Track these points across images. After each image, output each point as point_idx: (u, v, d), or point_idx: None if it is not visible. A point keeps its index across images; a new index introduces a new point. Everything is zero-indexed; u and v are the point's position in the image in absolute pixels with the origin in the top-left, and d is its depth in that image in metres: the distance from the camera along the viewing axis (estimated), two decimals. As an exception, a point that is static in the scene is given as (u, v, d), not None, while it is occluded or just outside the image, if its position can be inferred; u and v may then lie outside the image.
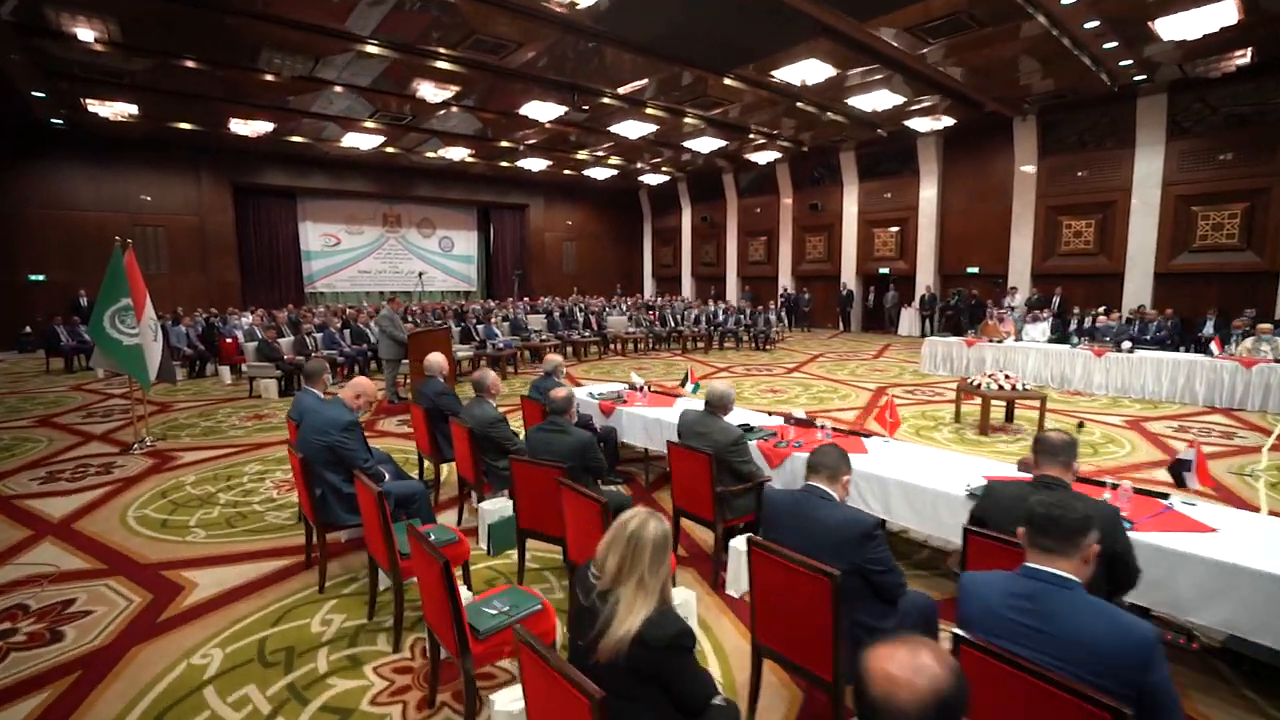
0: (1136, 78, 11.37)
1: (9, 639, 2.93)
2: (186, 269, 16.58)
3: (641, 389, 5.44)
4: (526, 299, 18.28)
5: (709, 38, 9.47)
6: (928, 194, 16.41)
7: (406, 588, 2.88)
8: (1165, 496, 2.89)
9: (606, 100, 12.34)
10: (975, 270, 15.83)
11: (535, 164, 18.41)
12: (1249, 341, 8.16)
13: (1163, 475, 5.14)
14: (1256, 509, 4.32)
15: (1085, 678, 1.40)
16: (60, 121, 13.62)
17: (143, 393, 6.44)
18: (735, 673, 2.67)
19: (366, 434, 3.68)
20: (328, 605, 3.21)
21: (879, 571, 2.07)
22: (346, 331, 11.26)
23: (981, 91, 12.12)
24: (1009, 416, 7.03)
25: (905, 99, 12.39)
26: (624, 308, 16.67)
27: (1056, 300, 13.57)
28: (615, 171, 19.89)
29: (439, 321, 12.61)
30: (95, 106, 12.17)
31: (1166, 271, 12.72)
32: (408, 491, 3.53)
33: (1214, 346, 8.15)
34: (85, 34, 8.98)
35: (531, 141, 16.08)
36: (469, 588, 3.23)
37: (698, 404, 5.13)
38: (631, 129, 14.30)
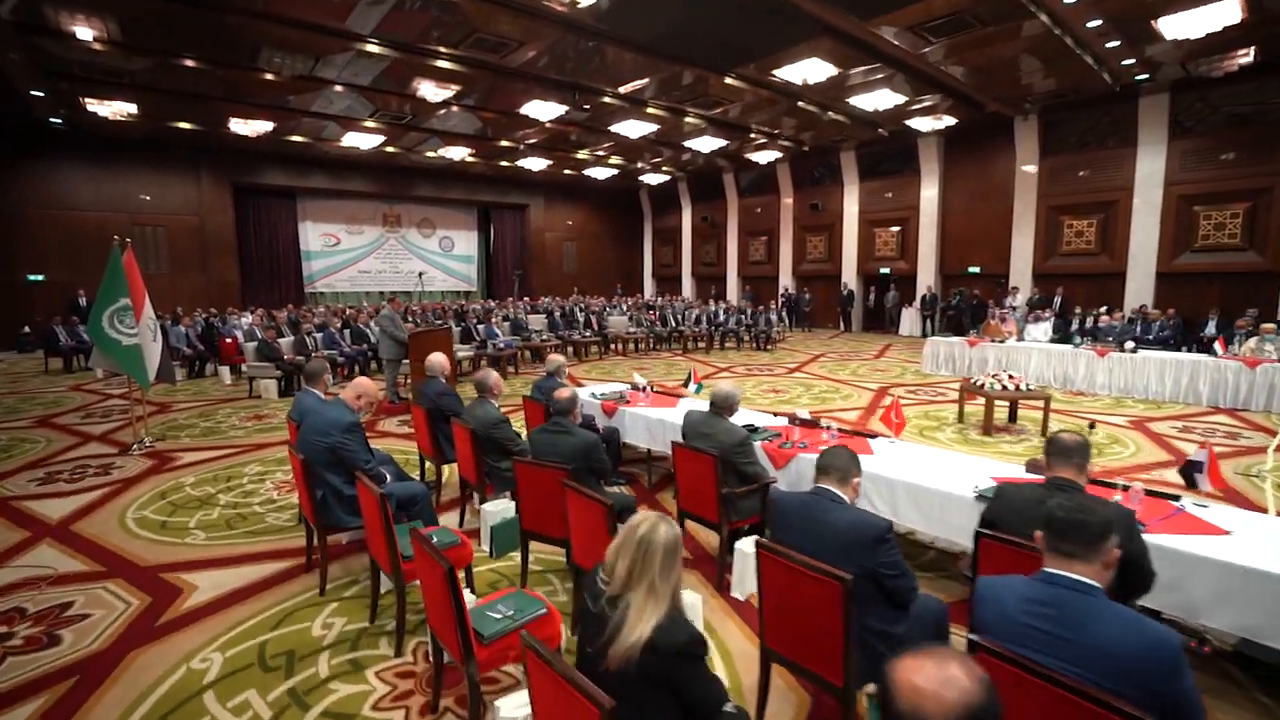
0: (1138, 77, 11.34)
1: (6, 643, 2.90)
2: (186, 269, 16.54)
3: (644, 389, 5.41)
4: (527, 299, 18.25)
5: (710, 37, 9.43)
6: (929, 194, 16.38)
7: (408, 590, 2.85)
8: (1176, 498, 2.86)
9: (607, 99, 12.30)
10: (976, 270, 15.80)
11: (536, 163, 18.38)
12: (1252, 342, 8.14)
13: (1169, 476, 5.11)
14: (1264, 510, 4.28)
15: (1108, 686, 1.36)
16: (60, 121, 13.59)
17: (142, 393, 6.40)
18: (741, 676, 2.63)
19: (367, 434, 3.65)
20: (329, 608, 3.18)
21: (891, 576, 2.03)
22: (346, 331, 11.22)
23: (983, 91, 12.09)
24: (1012, 417, 6.99)
25: (906, 98, 12.36)
26: (624, 308, 16.63)
27: (1058, 300, 13.55)
28: (616, 171, 19.86)
29: (439, 321, 12.58)
30: (95, 106, 12.13)
31: (1168, 271, 12.69)
32: (409, 493, 3.50)
33: (1218, 347, 8.12)
34: (84, 33, 8.95)
35: (532, 141, 16.05)
36: (472, 591, 3.20)
37: (701, 404, 5.10)
38: (632, 128, 14.27)
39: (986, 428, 6.54)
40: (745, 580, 3.25)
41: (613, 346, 13.73)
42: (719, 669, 2.66)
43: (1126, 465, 5.44)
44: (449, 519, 4.30)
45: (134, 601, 3.27)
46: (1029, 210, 14.53)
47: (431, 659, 2.53)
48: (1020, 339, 10.34)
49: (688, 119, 13.95)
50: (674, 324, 14.78)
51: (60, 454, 6.10)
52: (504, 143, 16.13)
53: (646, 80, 11.43)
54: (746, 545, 3.29)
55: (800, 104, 12.86)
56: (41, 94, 11.62)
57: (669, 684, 1.48)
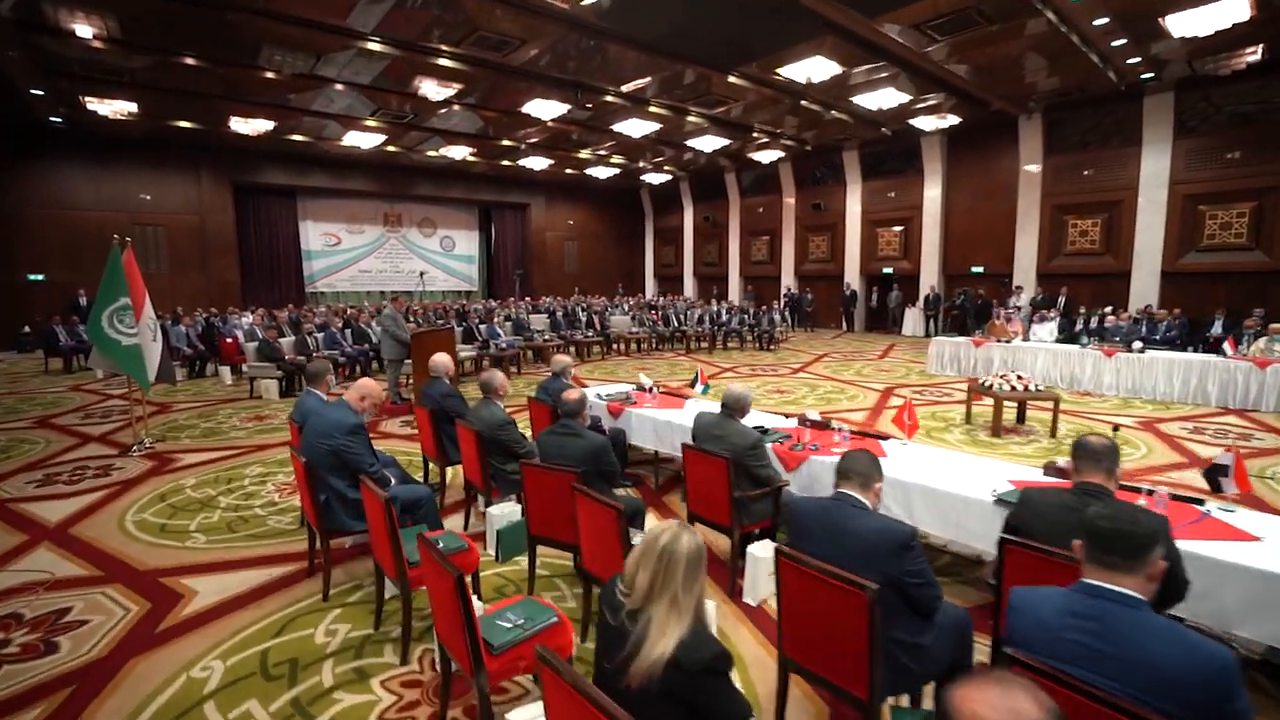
0: (1144, 76, 11.27)
1: (2, 651, 2.83)
2: (186, 268, 16.48)
3: (650, 390, 5.34)
4: (528, 299, 18.19)
5: (713, 35, 9.36)
6: (932, 193, 16.31)
7: (414, 596, 2.78)
8: (1200, 502, 2.79)
9: (609, 98, 12.24)
10: (980, 270, 15.73)
11: (537, 163, 18.31)
12: (1261, 342, 8.06)
13: (1182, 477, 5.04)
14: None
15: (1157, 705, 1.29)
16: (60, 120, 13.52)
17: (142, 393, 6.34)
18: (756, 685, 2.57)
19: (369, 435, 3.58)
20: (332, 614, 3.11)
21: (917, 584, 1.96)
22: (348, 331, 11.16)
23: (987, 89, 12.03)
24: (1020, 418, 6.93)
25: (910, 97, 12.30)
26: (626, 307, 16.56)
27: (1062, 300, 13.47)
28: (617, 170, 19.79)
29: (441, 321, 12.51)
30: (95, 105, 12.07)
31: (1173, 271, 12.62)
32: (414, 496, 3.44)
33: (1227, 347, 8.05)
34: (84, 30, 8.89)
35: (533, 140, 15.98)
36: (479, 597, 3.13)
37: (708, 406, 5.04)
38: (634, 127, 14.21)
39: (995, 429, 6.47)
40: (758, 585, 3.19)
41: (615, 346, 13.66)
42: (733, 676, 2.59)
43: (1140, 467, 5.37)
44: (453, 522, 4.24)
45: (133, 607, 3.20)
46: (1033, 209, 14.46)
47: (439, 668, 2.46)
48: (1026, 339, 10.27)
49: (690, 118, 13.88)
50: (677, 324, 14.72)
51: (59, 455, 6.03)
52: (505, 142, 16.07)
53: (649, 79, 11.37)
54: (759, 550, 3.23)
55: (803, 103, 12.80)
56: (41, 93, 11.55)
57: (693, 702, 1.41)
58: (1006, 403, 6.55)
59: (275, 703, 2.46)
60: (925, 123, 14.26)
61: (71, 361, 11.69)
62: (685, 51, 10.17)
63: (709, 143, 15.98)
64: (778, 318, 14.78)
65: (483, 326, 11.64)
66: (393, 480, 3.57)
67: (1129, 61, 10.54)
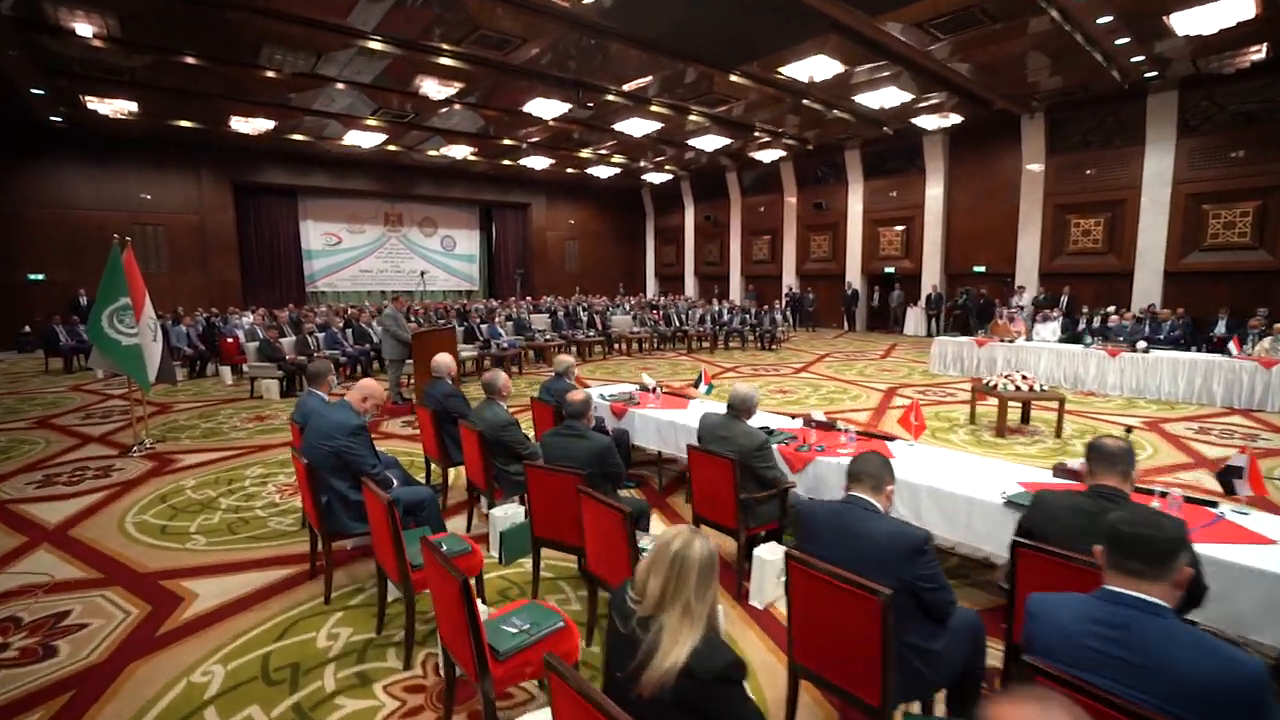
0: (1147, 74, 11.23)
1: (0, 655, 2.79)
2: (187, 268, 16.45)
3: (653, 390, 5.31)
4: (529, 298, 18.15)
5: (716, 33, 9.33)
6: (934, 192, 16.26)
7: (417, 599, 2.75)
8: (1214, 505, 2.76)
9: (611, 97, 12.20)
10: (982, 269, 15.69)
11: (538, 162, 18.27)
12: (1266, 341, 8.02)
13: (1190, 478, 5.01)
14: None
15: (1183, 715, 1.26)
16: (60, 120, 13.49)
17: (142, 394, 6.30)
18: (765, 690, 2.53)
19: (371, 436, 3.54)
20: (334, 618, 3.07)
21: (931, 589, 1.93)
22: (349, 331, 11.13)
23: (990, 88, 11.99)
24: (1025, 418, 6.89)
25: (912, 96, 12.26)
26: (628, 307, 16.52)
27: (1064, 299, 13.42)
28: (618, 170, 19.76)
29: (442, 321, 12.48)
30: (95, 104, 12.03)
31: (1176, 270, 12.58)
32: (416, 498, 3.40)
33: (1233, 346, 8.00)
34: (84, 29, 8.85)
35: (534, 139, 15.95)
36: (483, 600, 3.09)
37: (712, 406, 5.00)
38: (636, 127, 14.17)
39: (1000, 429, 6.43)
40: (764, 588, 3.15)
41: (616, 346, 13.62)
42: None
43: (1147, 468, 5.33)
44: (455, 524, 4.20)
45: (133, 610, 3.17)
46: (1035, 209, 14.42)
47: (443, 673, 2.42)
48: (1029, 339, 10.22)
49: (691, 117, 13.84)
50: (678, 324, 14.68)
51: (59, 456, 6.00)
52: (506, 141, 16.03)
53: (650, 78, 11.33)
54: (765, 552, 3.19)
55: (805, 102, 12.75)
56: (41, 92, 11.52)
57: (706, 711, 1.37)
58: (1011, 403, 6.51)
59: (277, 708, 2.43)
60: (927, 122, 14.22)
61: (72, 361, 11.66)
62: (687, 50, 10.14)
63: (710, 142, 15.94)
64: (779, 317, 14.73)
65: (484, 326, 11.61)
66: (395, 482, 3.54)
67: (1133, 60, 10.49)
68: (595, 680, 2.58)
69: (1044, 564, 2.09)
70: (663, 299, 19.15)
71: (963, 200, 16.01)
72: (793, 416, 4.59)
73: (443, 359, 4.70)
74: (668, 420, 4.72)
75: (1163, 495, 2.70)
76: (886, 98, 12.16)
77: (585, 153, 17.57)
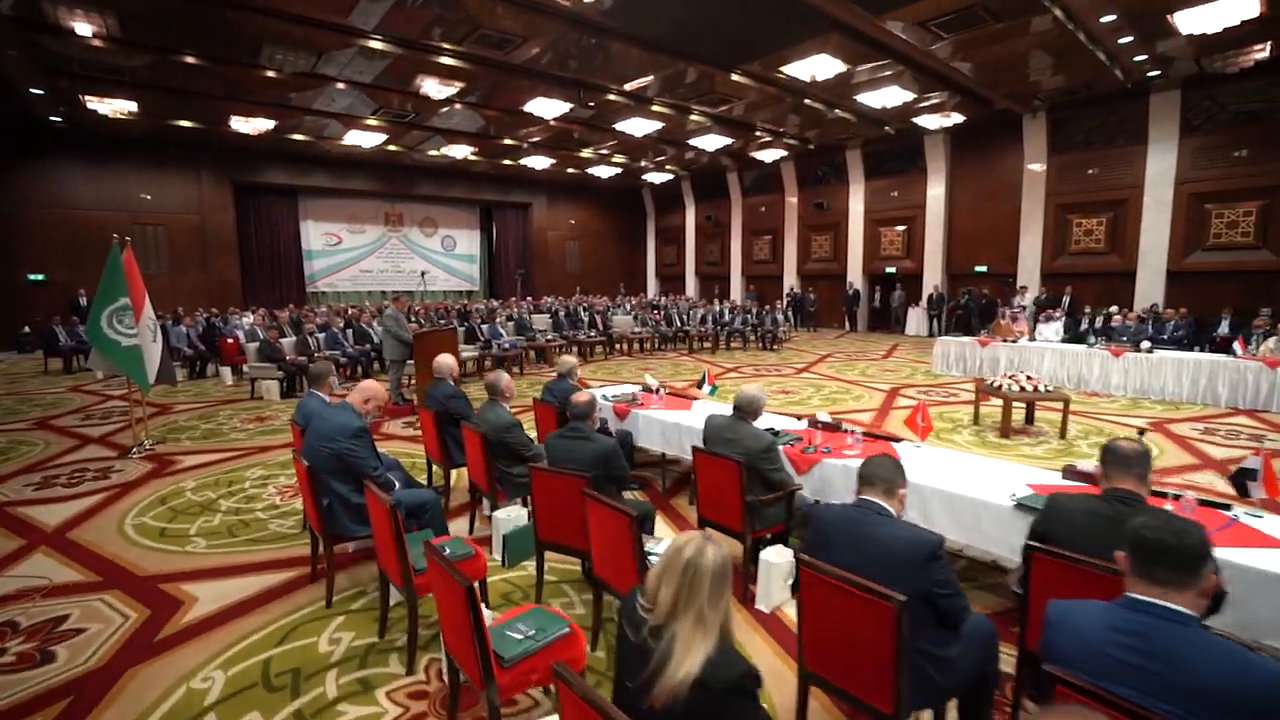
0: (1150, 74, 11.19)
1: (-3, 659, 2.76)
2: (187, 268, 16.41)
3: (657, 391, 5.27)
4: (530, 298, 18.11)
5: (717, 33, 9.29)
6: (935, 192, 16.23)
7: (420, 603, 2.71)
8: (1227, 508, 2.72)
9: (612, 97, 12.16)
10: (983, 269, 15.66)
11: (539, 162, 18.23)
12: (1271, 342, 7.99)
13: (1194, 479, 4.97)
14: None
15: (1208, 726, 1.22)
16: (60, 119, 13.45)
17: (142, 394, 6.27)
18: (773, 695, 2.49)
19: (373, 438, 3.50)
20: (335, 622, 3.04)
21: (945, 595, 1.90)
22: (349, 331, 11.09)
23: (992, 88, 11.95)
24: (1029, 419, 6.85)
25: (914, 95, 12.22)
26: (629, 307, 16.48)
27: (1066, 299, 13.39)
28: (619, 170, 19.72)
29: (443, 321, 12.44)
30: (95, 104, 12.00)
31: (1179, 270, 12.54)
32: (419, 501, 3.37)
33: (1237, 347, 7.97)
34: (84, 29, 8.82)
35: (535, 139, 15.91)
36: (487, 604, 3.06)
37: (716, 407, 4.96)
38: (637, 126, 14.13)
39: (1004, 430, 6.40)
40: (771, 592, 3.12)
41: (618, 346, 13.58)
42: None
43: (1154, 470, 5.28)
44: (457, 526, 4.17)
45: (132, 614, 3.13)
46: (1037, 209, 14.38)
47: (446, 679, 2.39)
48: (1032, 339, 10.18)
49: (693, 116, 13.80)
50: (679, 324, 14.64)
51: (58, 457, 5.96)
52: (507, 141, 16.00)
53: (651, 77, 11.29)
54: (772, 555, 3.16)
55: (806, 101, 12.72)
56: (41, 92, 11.49)
57: (718, 723, 1.34)
58: (1015, 403, 6.48)
59: (278, 715, 2.40)
60: (929, 121, 14.18)
61: (71, 362, 11.62)
62: (688, 49, 10.10)
63: (711, 142, 15.91)
64: (781, 318, 14.69)
65: (485, 326, 11.57)
66: (397, 484, 3.50)
67: (1135, 59, 10.46)
68: (601, 687, 2.55)
69: (1058, 569, 2.05)
70: (664, 299, 19.12)
71: (964, 200, 15.97)
72: (798, 418, 4.56)
73: (445, 360, 4.66)
74: (672, 421, 4.69)
75: (1176, 498, 2.66)
76: (888, 97, 12.13)
77: (586, 152, 17.53)
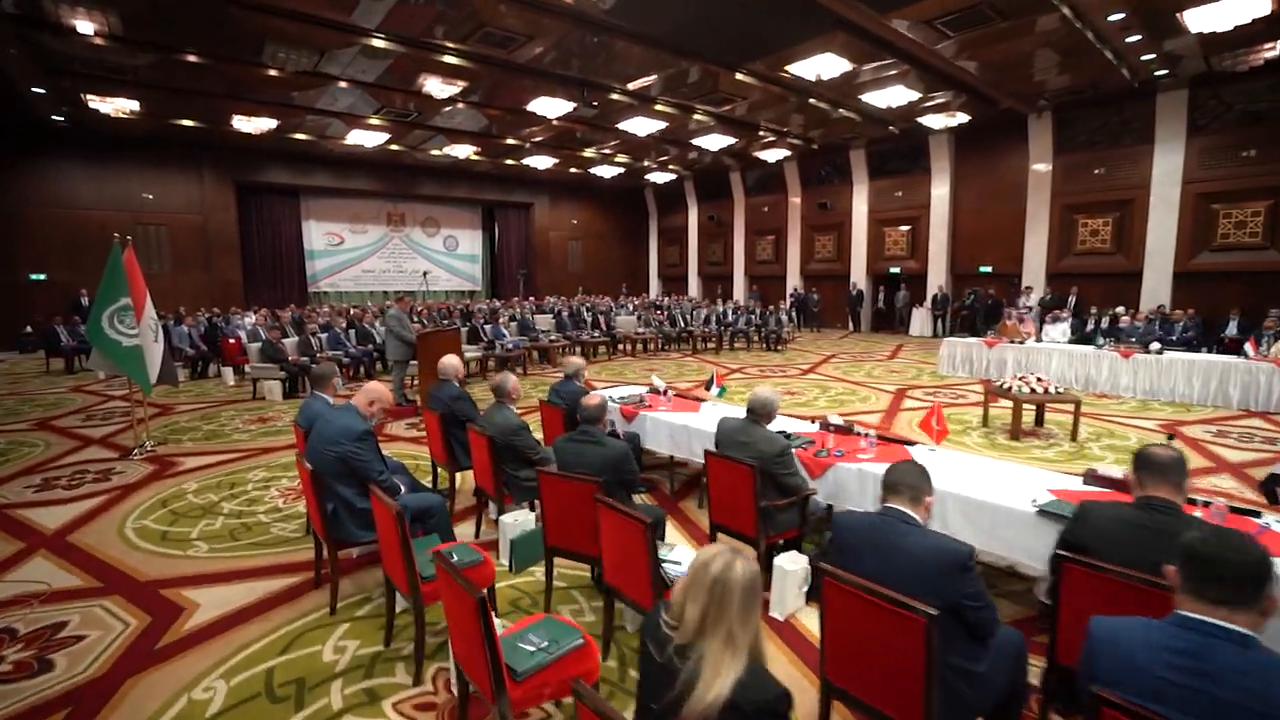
0: (1158, 73, 11.10)
1: (-6, 668, 2.70)
2: (189, 268, 16.37)
3: (664, 393, 5.20)
4: (532, 299, 18.05)
5: (722, 31, 9.22)
6: (939, 192, 16.14)
7: (427, 610, 2.64)
8: (1258, 515, 2.65)
9: (615, 96, 12.09)
10: (988, 270, 15.57)
11: (541, 162, 18.17)
12: (1282, 343, 7.90)
13: (1212, 483, 4.89)
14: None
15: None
16: (61, 119, 13.40)
17: (143, 395, 6.21)
18: (790, 708, 2.42)
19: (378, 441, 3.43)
20: (340, 629, 2.97)
21: (976, 607, 1.82)
22: (352, 332, 11.03)
23: (997, 87, 11.87)
24: (1039, 420, 6.78)
25: (919, 95, 12.15)
26: (631, 307, 16.42)
27: (1072, 300, 13.31)
28: (622, 170, 19.65)
29: (446, 321, 12.38)
30: (96, 103, 11.94)
31: (1185, 271, 12.45)
32: (425, 505, 3.30)
33: (1249, 348, 7.88)
34: (86, 27, 8.76)
35: (538, 139, 15.85)
36: (495, 612, 2.99)
37: (724, 408, 4.90)
38: (640, 126, 14.07)
39: (1014, 432, 6.32)
40: (785, 599, 3.05)
41: (621, 347, 13.51)
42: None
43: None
44: (463, 530, 4.10)
45: (133, 621, 3.07)
46: (1042, 209, 14.30)
47: (455, 690, 2.32)
48: (1039, 340, 10.10)
49: (696, 116, 13.73)
50: (683, 324, 14.57)
51: (59, 458, 5.90)
52: (510, 140, 15.93)
53: (655, 77, 11.22)
54: (786, 562, 3.09)
55: (811, 101, 12.64)
56: (43, 91, 11.44)
57: (749, 747, 1.27)
58: (1025, 405, 6.40)
59: (282, 727, 2.33)
60: (933, 121, 14.10)
61: (73, 362, 11.57)
62: (693, 48, 10.03)
63: (714, 141, 15.83)
64: (785, 318, 14.61)
65: (488, 327, 11.50)
66: (402, 488, 3.43)
67: (1143, 58, 10.37)
68: (614, 698, 2.48)
69: (1091, 579, 1.98)
70: (667, 299, 19.05)
71: (969, 200, 15.89)
72: (812, 420, 4.48)
73: (450, 361, 4.59)
74: (680, 424, 4.62)
75: (1205, 505, 2.59)
76: (893, 96, 12.05)
77: (589, 152, 17.46)
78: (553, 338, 12.42)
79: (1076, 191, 13.81)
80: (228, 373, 10.21)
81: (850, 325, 18.34)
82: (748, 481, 3.05)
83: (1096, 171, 13.49)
